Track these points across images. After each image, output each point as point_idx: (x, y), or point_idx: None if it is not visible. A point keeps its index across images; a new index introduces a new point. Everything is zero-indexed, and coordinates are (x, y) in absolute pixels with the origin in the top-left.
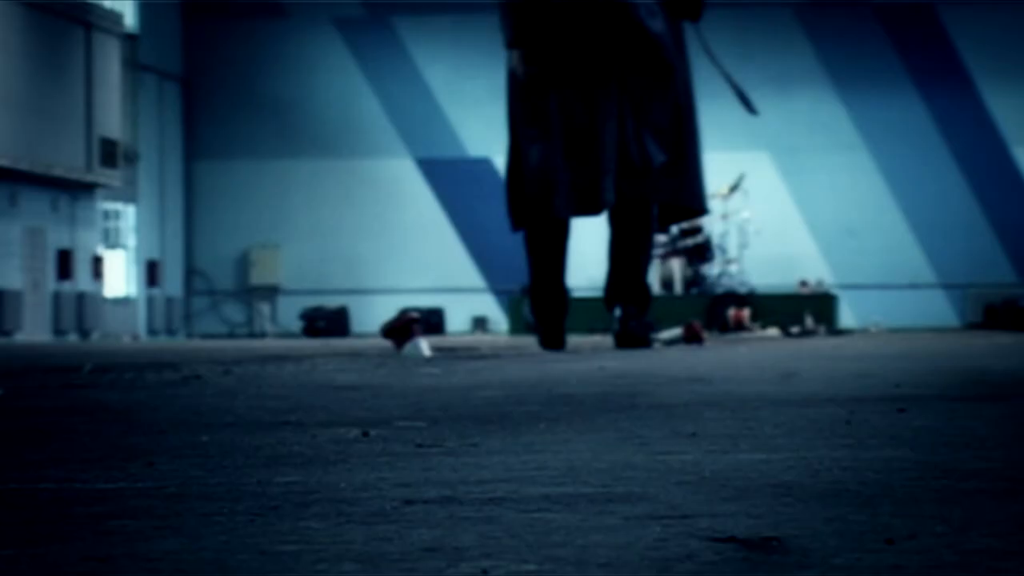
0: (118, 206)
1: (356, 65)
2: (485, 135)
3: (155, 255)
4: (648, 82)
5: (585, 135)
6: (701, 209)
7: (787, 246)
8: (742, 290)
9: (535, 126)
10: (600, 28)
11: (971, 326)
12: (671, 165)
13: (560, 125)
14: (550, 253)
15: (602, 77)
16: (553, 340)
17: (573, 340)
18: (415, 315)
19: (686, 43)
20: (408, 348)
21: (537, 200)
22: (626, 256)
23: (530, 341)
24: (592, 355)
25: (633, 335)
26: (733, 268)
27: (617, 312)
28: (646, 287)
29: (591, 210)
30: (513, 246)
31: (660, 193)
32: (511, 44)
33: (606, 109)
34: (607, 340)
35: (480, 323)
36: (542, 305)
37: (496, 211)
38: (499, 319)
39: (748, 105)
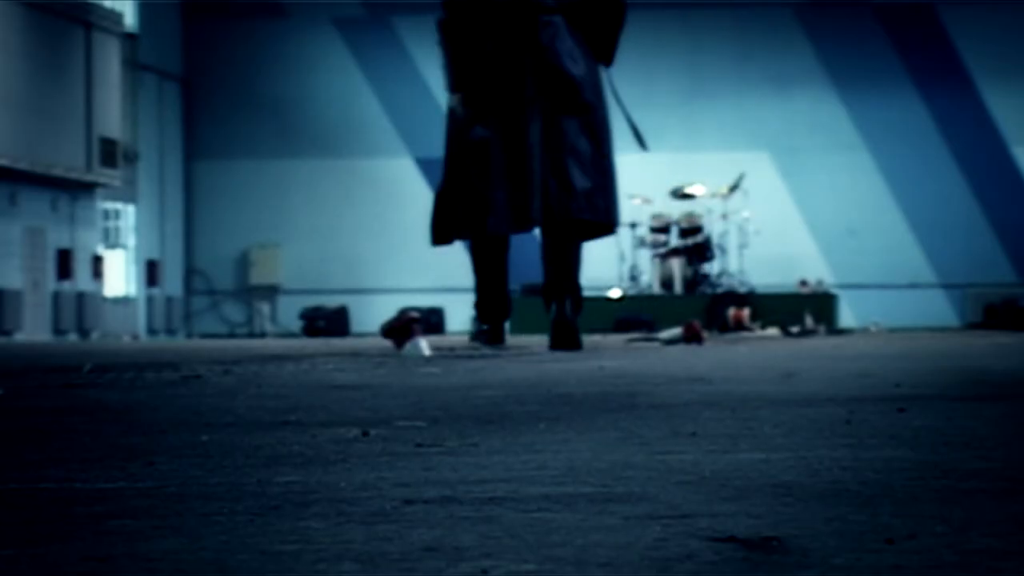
0: (118, 206)
1: (356, 65)
2: None
3: (155, 255)
4: (571, 119)
5: (516, 164)
6: (613, 226)
7: (787, 246)
8: (742, 290)
9: (472, 155)
10: (528, 74)
11: (971, 326)
12: (592, 189)
13: (495, 156)
14: (494, 265)
15: (530, 115)
16: (496, 338)
17: None
18: (415, 315)
19: (603, 86)
20: (408, 348)
21: (472, 218)
22: (559, 261)
23: (530, 341)
24: (592, 355)
25: (569, 324)
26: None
27: (553, 308)
28: (579, 288)
29: (521, 228)
30: (513, 246)
31: (583, 212)
32: (453, 88)
33: (533, 142)
34: (606, 340)
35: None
36: (488, 309)
37: None
38: None
39: (641, 141)
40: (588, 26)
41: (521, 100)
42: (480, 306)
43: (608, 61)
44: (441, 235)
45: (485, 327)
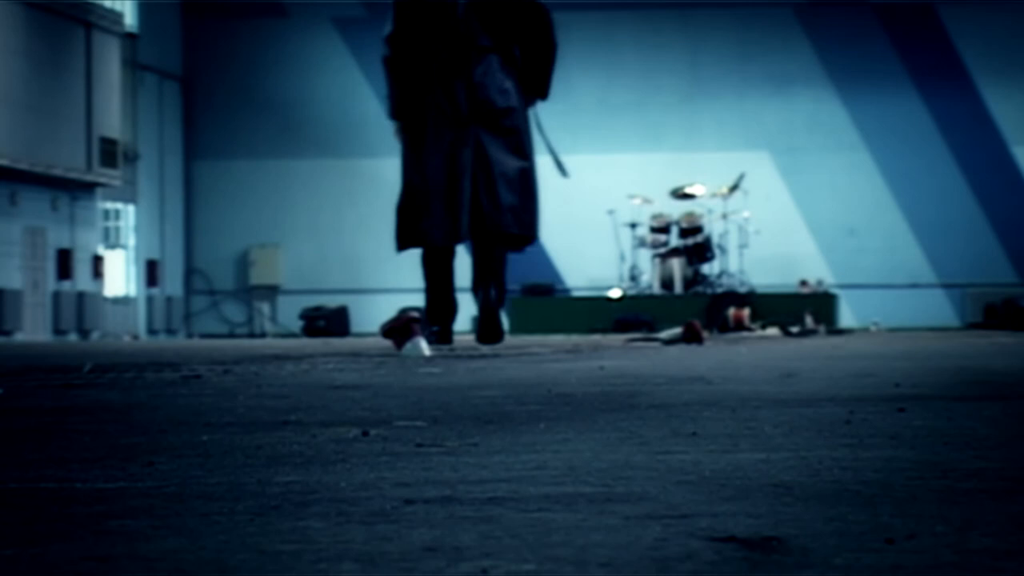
0: (118, 206)
1: (356, 65)
2: None
3: (155, 255)
4: (499, 144)
5: (451, 183)
6: (534, 237)
7: (787, 246)
8: (742, 290)
9: (416, 172)
10: (462, 105)
11: (971, 326)
12: (518, 205)
13: (434, 176)
14: (441, 272)
15: (463, 140)
16: (445, 338)
17: (573, 340)
18: (415, 315)
19: (528, 117)
20: (408, 348)
21: (414, 229)
22: (486, 262)
23: (530, 340)
24: (592, 355)
25: (493, 312)
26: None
27: (481, 295)
28: (503, 281)
29: (454, 240)
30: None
31: (511, 227)
32: (393, 116)
33: (465, 164)
34: (606, 340)
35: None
36: (436, 312)
37: None
38: None
39: (562, 169)
40: (524, 64)
41: (456, 128)
42: (429, 310)
43: (543, 95)
44: (402, 243)
45: (435, 328)
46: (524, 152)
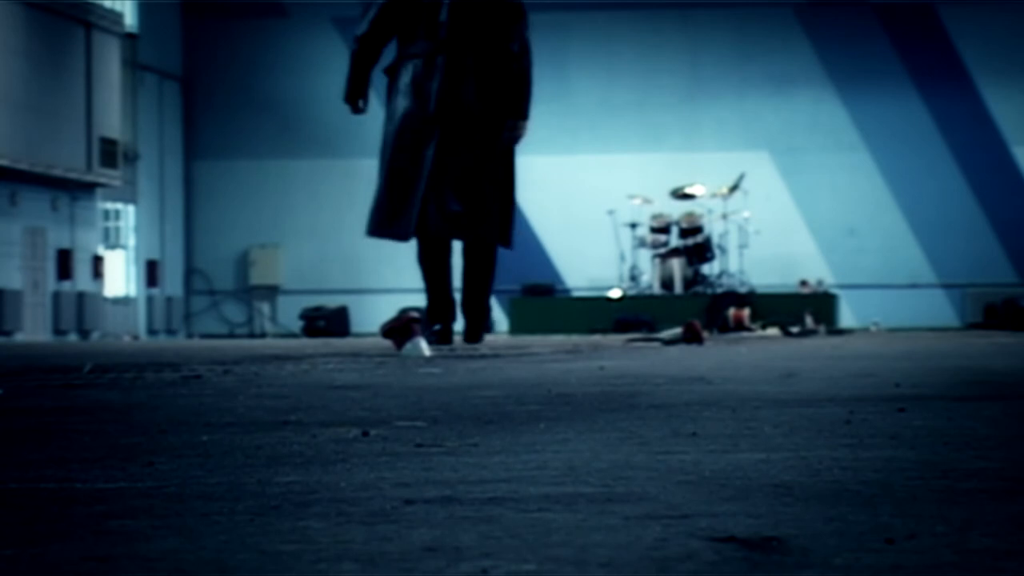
0: (118, 206)
1: None
2: None
3: (155, 255)
4: (466, 145)
5: (408, 180)
6: (504, 243)
7: (787, 246)
8: (742, 290)
9: (382, 166)
10: (431, 104)
11: (971, 326)
12: (473, 211)
13: (391, 169)
14: (437, 271)
15: (427, 139)
16: (445, 338)
17: (573, 340)
18: (415, 315)
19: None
20: (408, 348)
21: (374, 220)
22: (472, 281)
23: (530, 340)
24: (592, 355)
25: (475, 325)
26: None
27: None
28: (485, 308)
29: (400, 236)
30: (512, 249)
31: (454, 233)
32: (345, 100)
33: (425, 165)
34: (606, 340)
35: None
36: (436, 312)
37: None
38: (499, 319)
39: None
40: (504, 81)
41: (422, 127)
42: (429, 310)
43: (522, 115)
44: (374, 230)
45: (436, 328)
46: (493, 156)
